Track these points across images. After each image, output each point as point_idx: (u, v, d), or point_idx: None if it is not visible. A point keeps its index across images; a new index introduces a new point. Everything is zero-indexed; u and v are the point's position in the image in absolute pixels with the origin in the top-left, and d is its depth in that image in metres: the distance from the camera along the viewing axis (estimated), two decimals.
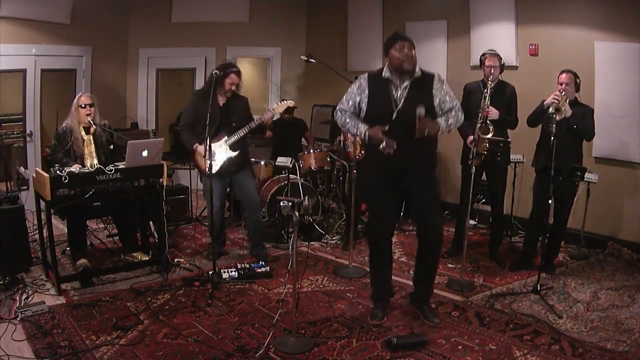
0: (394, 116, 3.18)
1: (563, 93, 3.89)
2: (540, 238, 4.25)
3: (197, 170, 4.56)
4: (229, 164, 4.37)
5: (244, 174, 4.51)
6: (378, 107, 3.24)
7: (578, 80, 4.01)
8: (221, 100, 4.33)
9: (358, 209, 4.71)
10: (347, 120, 3.32)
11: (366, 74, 3.36)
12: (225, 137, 4.32)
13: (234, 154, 4.36)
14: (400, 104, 3.19)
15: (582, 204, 4.61)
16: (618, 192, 4.78)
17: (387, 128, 3.13)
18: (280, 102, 4.54)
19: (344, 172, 5.76)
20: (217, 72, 4.11)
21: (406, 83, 3.22)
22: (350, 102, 3.34)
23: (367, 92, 3.28)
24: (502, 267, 4.39)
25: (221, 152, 4.33)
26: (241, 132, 4.32)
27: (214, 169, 4.29)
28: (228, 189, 4.97)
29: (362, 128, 3.23)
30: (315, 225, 5.28)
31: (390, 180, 3.30)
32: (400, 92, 3.22)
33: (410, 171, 3.24)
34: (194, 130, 4.31)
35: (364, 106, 3.29)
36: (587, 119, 4.01)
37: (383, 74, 3.25)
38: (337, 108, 3.41)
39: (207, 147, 3.89)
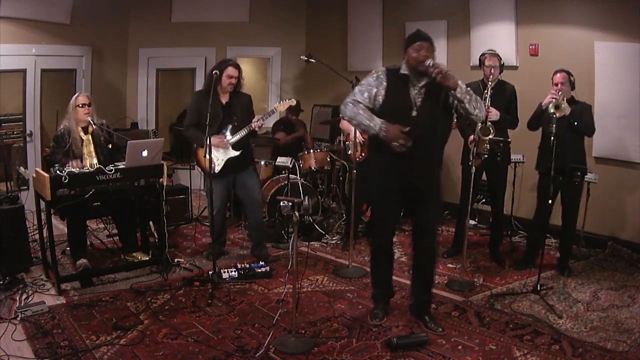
0: (413, 114, 3.06)
1: (559, 93, 3.90)
2: (543, 239, 4.24)
3: (199, 170, 4.56)
4: (231, 163, 4.37)
5: (248, 173, 4.50)
6: (395, 103, 3.08)
7: (572, 78, 4.02)
8: (224, 99, 4.32)
9: (358, 209, 4.70)
10: (360, 111, 3.07)
11: (384, 68, 3.22)
12: (229, 137, 4.33)
13: (236, 153, 4.36)
14: (418, 104, 3.08)
15: (582, 204, 4.60)
16: (618, 192, 4.77)
17: (408, 130, 2.98)
18: (282, 102, 4.49)
19: (344, 172, 5.76)
20: (217, 72, 4.11)
21: (423, 82, 3.08)
22: (366, 94, 3.12)
23: (385, 84, 3.11)
24: (502, 267, 4.39)
25: (224, 152, 4.33)
26: (243, 132, 4.31)
27: (217, 169, 4.30)
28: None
29: (377, 121, 3.03)
30: (315, 225, 5.27)
31: (396, 185, 3.18)
32: (416, 91, 3.09)
33: (419, 180, 3.13)
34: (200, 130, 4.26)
35: (380, 99, 3.10)
36: (585, 115, 4.03)
37: (401, 71, 3.11)
38: (348, 100, 3.15)
39: (208, 148, 3.88)
